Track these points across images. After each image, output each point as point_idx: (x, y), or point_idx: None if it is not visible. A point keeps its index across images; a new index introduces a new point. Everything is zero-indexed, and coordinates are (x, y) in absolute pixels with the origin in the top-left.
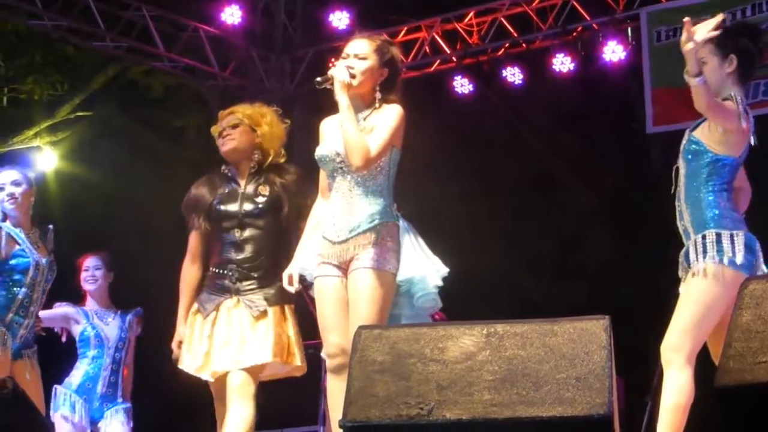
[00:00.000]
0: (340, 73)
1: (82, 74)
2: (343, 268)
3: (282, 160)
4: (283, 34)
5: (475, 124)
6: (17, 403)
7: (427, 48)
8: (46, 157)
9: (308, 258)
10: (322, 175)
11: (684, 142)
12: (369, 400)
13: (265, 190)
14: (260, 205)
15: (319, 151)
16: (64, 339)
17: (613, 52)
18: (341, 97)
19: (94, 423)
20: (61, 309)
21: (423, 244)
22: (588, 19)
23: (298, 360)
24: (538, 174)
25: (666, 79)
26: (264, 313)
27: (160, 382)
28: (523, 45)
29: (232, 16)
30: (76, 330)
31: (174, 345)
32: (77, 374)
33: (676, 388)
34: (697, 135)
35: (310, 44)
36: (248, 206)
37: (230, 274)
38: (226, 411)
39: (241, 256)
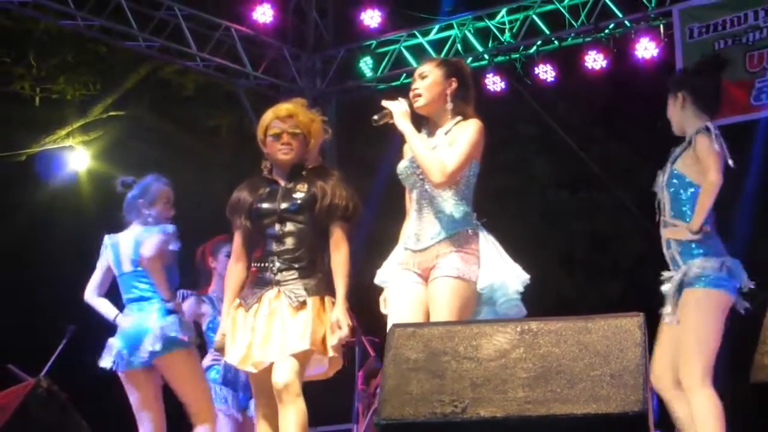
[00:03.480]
0: (395, 104)
1: (114, 74)
2: (424, 276)
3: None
4: (314, 33)
5: (508, 122)
6: (52, 402)
7: (459, 46)
8: (79, 157)
9: (386, 269)
10: (407, 197)
11: (665, 175)
12: (403, 398)
13: (303, 188)
14: (298, 201)
15: (399, 167)
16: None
17: (646, 49)
18: (403, 125)
19: (241, 412)
20: (188, 303)
21: (502, 251)
22: (620, 16)
23: (331, 351)
24: (570, 171)
25: None
26: (303, 303)
27: None
28: (555, 42)
29: (263, 15)
30: (204, 320)
31: (218, 336)
32: (217, 367)
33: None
34: (678, 168)
35: (342, 43)
36: (286, 203)
37: (271, 266)
38: (278, 410)
39: (281, 248)
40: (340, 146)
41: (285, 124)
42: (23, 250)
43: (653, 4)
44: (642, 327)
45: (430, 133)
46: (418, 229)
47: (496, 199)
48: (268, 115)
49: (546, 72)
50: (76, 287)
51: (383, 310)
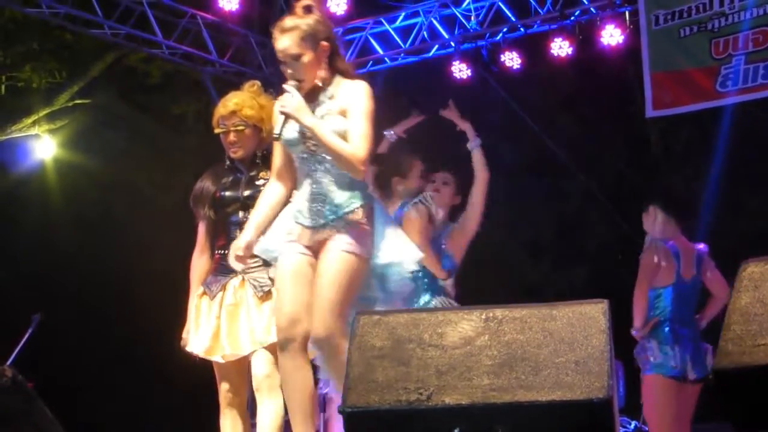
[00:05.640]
0: (289, 102)
1: (80, 62)
2: (314, 249)
3: None
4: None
5: (474, 109)
6: (16, 391)
7: (425, 33)
8: (45, 145)
9: (272, 239)
10: (277, 156)
11: None
12: (368, 385)
13: (266, 174)
14: (261, 188)
15: (286, 135)
16: None
17: (611, 36)
18: (308, 122)
19: None
20: None
21: (398, 227)
22: (586, 3)
23: None
24: (536, 158)
25: (665, 62)
26: (269, 293)
27: (162, 365)
28: (522, 29)
29: (229, 2)
30: None
31: (185, 333)
32: None
33: None
34: None
35: None
36: (249, 191)
37: None
38: (257, 402)
39: None
40: None
41: (229, 121)
42: None
43: None
44: (606, 314)
45: (310, 98)
46: (312, 205)
47: (463, 187)
48: (217, 111)
49: (512, 59)
50: (42, 275)
51: (234, 261)
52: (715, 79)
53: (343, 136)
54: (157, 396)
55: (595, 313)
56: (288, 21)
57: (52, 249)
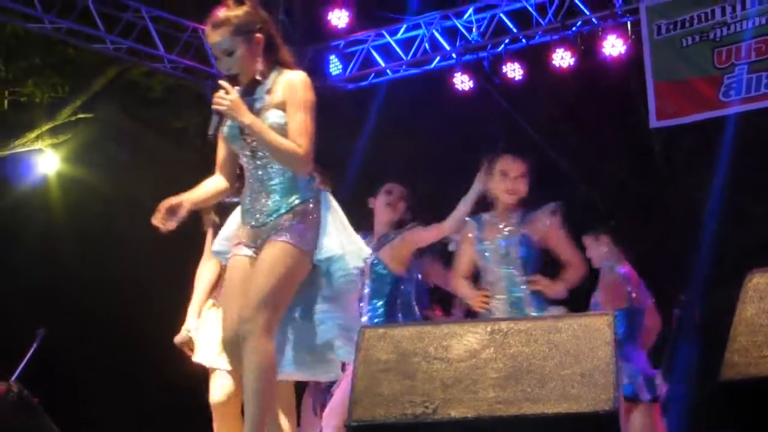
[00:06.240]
0: (224, 101)
1: (82, 76)
2: (260, 247)
3: None
4: (281, 34)
5: (476, 121)
6: (23, 406)
7: (426, 45)
8: (48, 160)
9: (223, 242)
10: (219, 149)
11: None
12: (374, 399)
13: None
14: None
15: (227, 131)
16: None
17: (613, 46)
18: (247, 120)
19: None
20: None
21: (346, 222)
22: (587, 13)
23: None
24: (539, 169)
25: (668, 72)
26: None
27: (167, 377)
28: (523, 41)
29: None
30: None
31: (179, 338)
32: None
33: None
34: None
35: (309, 43)
36: None
37: None
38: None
39: None
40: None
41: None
42: None
43: (620, 2)
44: (612, 326)
45: (248, 92)
46: (256, 203)
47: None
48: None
49: (514, 70)
50: (45, 290)
51: (158, 220)
52: (718, 88)
53: (284, 131)
54: (162, 408)
55: (600, 325)
56: (219, 14)
57: (55, 262)
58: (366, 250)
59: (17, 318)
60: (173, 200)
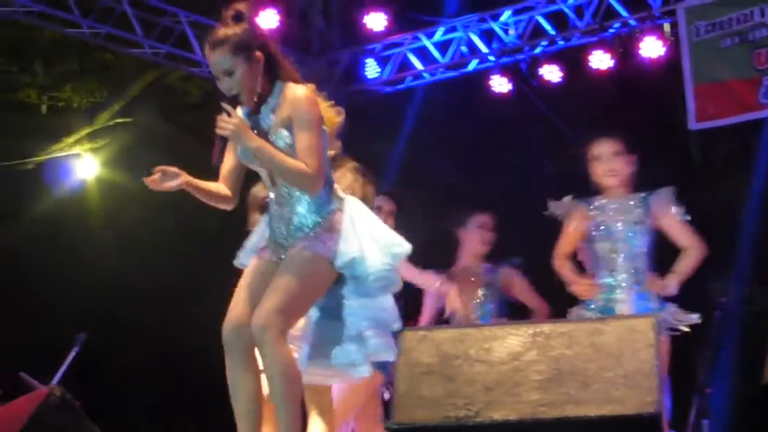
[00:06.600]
0: (229, 126)
1: (120, 81)
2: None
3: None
4: (319, 37)
5: (513, 123)
6: (66, 410)
7: (463, 48)
8: (86, 165)
9: (248, 253)
10: (227, 161)
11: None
12: (416, 402)
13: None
14: None
15: (239, 152)
16: None
17: (652, 48)
18: (253, 145)
19: None
20: None
21: (372, 221)
22: (625, 15)
23: None
24: (576, 172)
25: (707, 74)
26: None
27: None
28: (561, 43)
29: (269, 20)
30: None
31: None
32: None
33: None
34: None
35: (347, 46)
36: None
37: None
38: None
39: None
40: (350, 149)
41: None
42: (31, 258)
43: (659, 3)
44: (655, 328)
45: (252, 110)
46: (281, 223)
47: (502, 200)
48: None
49: (551, 72)
50: (84, 294)
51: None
52: (757, 90)
53: (293, 150)
54: (203, 413)
55: (643, 327)
56: (217, 33)
57: (94, 268)
58: (400, 248)
59: (56, 323)
60: (174, 168)
